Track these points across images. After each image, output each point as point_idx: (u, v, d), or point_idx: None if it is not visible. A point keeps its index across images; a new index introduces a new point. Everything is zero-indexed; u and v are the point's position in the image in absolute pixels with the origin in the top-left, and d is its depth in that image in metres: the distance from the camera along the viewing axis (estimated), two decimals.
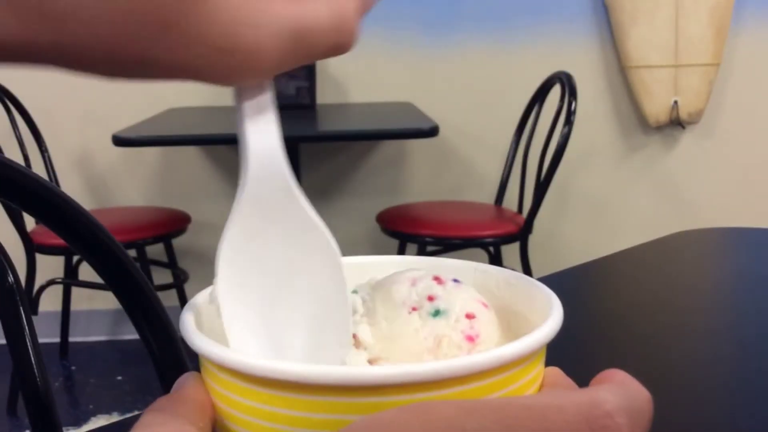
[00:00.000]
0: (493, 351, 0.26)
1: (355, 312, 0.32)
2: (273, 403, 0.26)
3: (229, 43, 0.24)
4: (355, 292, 0.34)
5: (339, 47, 0.27)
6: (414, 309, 0.31)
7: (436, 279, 0.33)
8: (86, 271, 2.42)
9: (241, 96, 0.29)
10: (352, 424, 0.23)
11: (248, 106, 0.29)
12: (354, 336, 0.31)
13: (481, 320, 0.31)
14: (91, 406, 2.26)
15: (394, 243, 2.40)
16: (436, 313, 0.31)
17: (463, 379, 0.25)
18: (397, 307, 0.32)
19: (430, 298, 0.32)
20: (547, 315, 0.30)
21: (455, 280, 0.33)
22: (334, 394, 0.25)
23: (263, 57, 0.25)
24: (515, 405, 0.23)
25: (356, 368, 0.26)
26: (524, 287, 0.33)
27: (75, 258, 2.41)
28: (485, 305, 0.32)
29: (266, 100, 0.29)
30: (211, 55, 0.24)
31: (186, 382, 0.29)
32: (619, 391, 0.25)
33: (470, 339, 0.31)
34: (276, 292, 0.31)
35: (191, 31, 0.23)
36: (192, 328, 0.29)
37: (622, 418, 0.24)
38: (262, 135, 0.29)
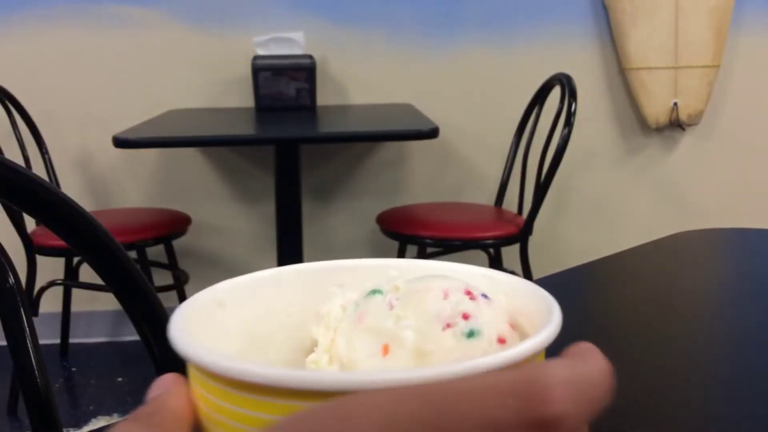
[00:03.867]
0: (485, 358, 0.26)
1: (384, 318, 0.31)
2: (250, 406, 0.25)
3: None
4: (378, 292, 0.32)
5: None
6: (448, 326, 0.30)
7: (468, 293, 0.31)
8: (87, 273, 2.42)
9: None
10: (276, 424, 0.22)
11: None
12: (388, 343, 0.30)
13: (511, 346, 0.30)
14: (91, 407, 2.26)
15: (394, 244, 2.40)
16: (471, 334, 0.30)
17: None
18: (431, 321, 0.30)
19: (465, 316, 0.30)
20: (546, 322, 0.29)
21: (484, 296, 0.31)
22: (310, 399, 0.24)
23: None
24: (448, 389, 0.22)
25: (331, 372, 0.26)
26: (528, 293, 0.33)
27: (75, 259, 2.41)
28: (513, 327, 0.31)
29: None
30: None
31: (165, 387, 0.28)
32: (570, 363, 0.24)
33: None
34: None
35: None
36: (178, 329, 0.28)
37: (563, 391, 0.22)
38: None
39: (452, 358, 0.29)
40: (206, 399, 0.27)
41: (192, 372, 0.28)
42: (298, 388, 0.24)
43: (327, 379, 0.24)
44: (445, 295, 0.31)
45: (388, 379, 0.24)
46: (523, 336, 0.32)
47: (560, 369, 0.23)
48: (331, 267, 0.36)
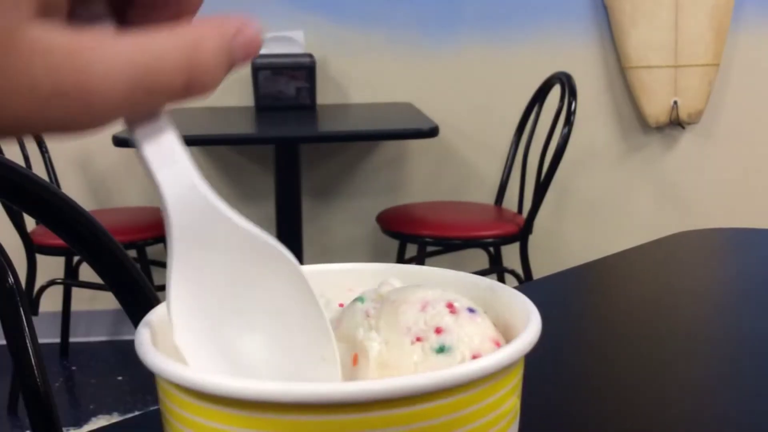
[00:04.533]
0: (460, 367, 0.25)
1: (357, 326, 0.30)
2: (233, 423, 0.24)
3: (62, 85, 0.23)
4: (360, 300, 0.31)
5: (190, 90, 0.26)
6: (418, 339, 0.29)
7: (450, 306, 0.30)
8: (87, 272, 2.42)
9: (131, 126, 0.27)
10: None
11: (142, 133, 0.27)
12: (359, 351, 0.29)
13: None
14: (91, 407, 2.26)
15: (395, 243, 2.40)
16: (441, 349, 0.28)
17: (429, 396, 0.24)
18: (401, 333, 0.29)
19: (438, 331, 0.29)
20: (525, 327, 0.28)
21: (471, 310, 0.30)
22: (298, 413, 0.24)
23: (105, 98, 0.24)
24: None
25: (318, 385, 0.24)
26: (507, 298, 0.32)
27: (75, 258, 2.41)
28: (498, 343, 0.30)
29: (160, 124, 0.27)
30: (47, 101, 0.23)
31: None
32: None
33: None
34: (234, 317, 0.29)
35: (9, 77, 0.22)
36: (147, 345, 0.27)
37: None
38: (168, 161, 0.27)
39: (416, 373, 0.27)
40: (179, 415, 0.26)
41: (163, 388, 0.27)
42: (289, 402, 0.24)
43: (319, 392, 0.24)
44: (423, 307, 0.30)
45: (363, 390, 0.24)
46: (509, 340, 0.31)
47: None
48: (336, 270, 0.36)
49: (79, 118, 0.24)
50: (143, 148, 0.27)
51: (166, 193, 0.27)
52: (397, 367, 0.28)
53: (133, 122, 0.27)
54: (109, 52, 0.24)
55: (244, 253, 0.28)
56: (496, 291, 0.33)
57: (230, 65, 0.27)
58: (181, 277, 0.28)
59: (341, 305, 0.34)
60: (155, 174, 0.27)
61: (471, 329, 0.29)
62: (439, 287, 0.32)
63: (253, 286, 0.29)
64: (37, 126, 0.24)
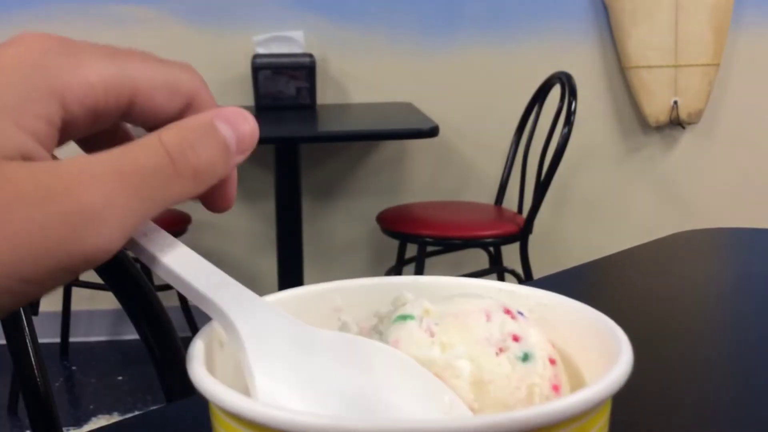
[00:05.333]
0: (559, 401, 0.23)
1: (426, 346, 0.28)
2: None
3: (60, 205, 0.24)
4: (410, 318, 0.29)
5: (182, 175, 0.26)
6: (501, 350, 0.28)
7: (508, 312, 0.29)
8: (86, 271, 2.42)
9: (135, 247, 0.27)
10: None
11: (157, 249, 0.28)
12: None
13: (560, 367, 0.28)
14: (91, 407, 2.26)
15: (394, 243, 2.40)
16: (525, 357, 0.28)
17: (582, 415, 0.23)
18: (482, 346, 0.28)
19: (515, 338, 0.28)
20: (600, 343, 0.28)
21: (520, 313, 0.29)
22: None
23: (109, 210, 0.25)
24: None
25: (385, 420, 0.23)
26: (561, 306, 0.31)
27: None
28: (552, 345, 0.29)
29: (163, 238, 0.28)
30: (53, 219, 0.24)
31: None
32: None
33: (555, 389, 0.28)
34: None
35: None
36: (201, 371, 0.25)
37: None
38: (205, 273, 0.28)
39: (511, 386, 0.27)
40: None
41: (218, 417, 0.25)
42: None
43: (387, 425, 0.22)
44: (488, 317, 0.28)
45: (447, 427, 0.22)
46: (560, 352, 0.30)
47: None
48: (328, 289, 0.33)
49: (85, 235, 0.25)
50: (165, 262, 0.28)
51: (219, 303, 0.27)
52: (492, 382, 0.27)
53: (137, 241, 0.28)
54: (92, 163, 0.25)
55: (323, 348, 0.28)
56: (523, 294, 0.32)
57: (223, 145, 0.27)
58: (263, 366, 0.27)
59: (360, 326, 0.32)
60: (193, 284, 0.27)
61: (534, 332, 0.29)
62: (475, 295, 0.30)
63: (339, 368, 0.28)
64: (54, 253, 0.24)
